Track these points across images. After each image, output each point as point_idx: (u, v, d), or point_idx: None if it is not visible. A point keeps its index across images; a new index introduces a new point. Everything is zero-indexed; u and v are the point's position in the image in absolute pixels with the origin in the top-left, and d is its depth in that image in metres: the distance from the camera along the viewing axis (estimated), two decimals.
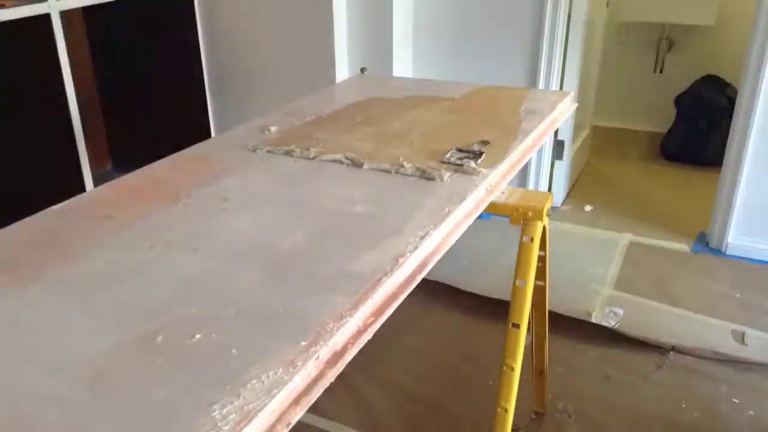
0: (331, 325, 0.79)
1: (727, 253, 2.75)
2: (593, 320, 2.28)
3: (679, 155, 3.76)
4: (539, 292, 1.65)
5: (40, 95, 2.59)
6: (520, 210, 1.43)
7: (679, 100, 3.85)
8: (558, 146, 3.14)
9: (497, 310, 2.28)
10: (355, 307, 0.84)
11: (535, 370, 1.84)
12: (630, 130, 4.25)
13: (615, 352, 2.15)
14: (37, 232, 1.07)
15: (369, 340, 0.84)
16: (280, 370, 0.71)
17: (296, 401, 0.71)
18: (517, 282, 1.45)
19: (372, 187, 1.22)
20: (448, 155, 1.33)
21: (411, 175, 1.26)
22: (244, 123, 1.62)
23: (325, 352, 0.76)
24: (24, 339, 0.80)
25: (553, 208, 3.10)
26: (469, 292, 2.42)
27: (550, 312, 1.78)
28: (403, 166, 1.29)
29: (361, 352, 0.82)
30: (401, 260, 0.94)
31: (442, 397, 1.98)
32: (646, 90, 4.18)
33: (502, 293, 2.45)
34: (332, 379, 0.76)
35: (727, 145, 2.73)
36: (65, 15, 2.54)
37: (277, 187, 1.25)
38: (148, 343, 0.77)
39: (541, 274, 1.62)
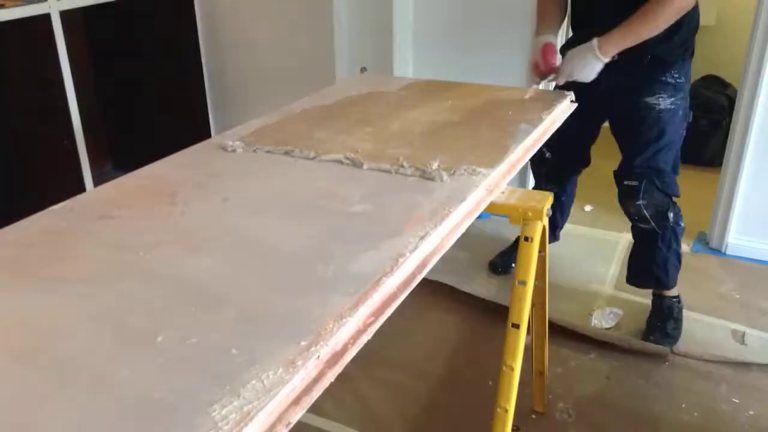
0: (331, 325, 0.79)
1: (727, 253, 2.75)
2: (594, 320, 2.28)
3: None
4: (539, 292, 1.65)
5: (40, 95, 2.59)
6: (519, 210, 1.43)
7: None
8: None
9: (497, 310, 2.28)
10: (355, 307, 0.84)
11: (535, 370, 1.84)
12: None
13: (615, 352, 2.14)
14: (37, 232, 1.07)
15: (369, 340, 0.85)
16: (280, 370, 0.71)
17: (296, 401, 0.71)
18: (517, 282, 1.45)
19: (372, 187, 1.22)
20: None
21: (411, 175, 1.26)
22: (244, 123, 1.63)
23: (325, 352, 0.76)
24: (24, 339, 0.80)
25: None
26: (468, 294, 2.42)
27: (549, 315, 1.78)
28: (403, 166, 1.29)
29: (361, 352, 0.82)
30: (401, 260, 0.94)
31: (442, 397, 1.98)
32: None
33: (501, 295, 2.46)
34: (332, 379, 0.76)
35: (727, 145, 2.72)
36: (65, 15, 2.55)
37: (276, 187, 1.25)
38: (148, 343, 0.77)
39: (541, 274, 1.61)
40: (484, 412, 1.71)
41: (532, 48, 1.84)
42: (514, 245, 2.44)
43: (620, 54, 1.83)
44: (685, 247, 2.82)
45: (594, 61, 1.78)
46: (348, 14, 2.91)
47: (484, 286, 2.49)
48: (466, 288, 2.46)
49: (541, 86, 2.91)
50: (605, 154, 3.83)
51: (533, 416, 1.89)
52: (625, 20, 1.77)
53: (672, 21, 1.76)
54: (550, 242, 2.12)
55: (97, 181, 2.74)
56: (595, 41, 1.77)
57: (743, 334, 2.22)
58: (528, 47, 2.89)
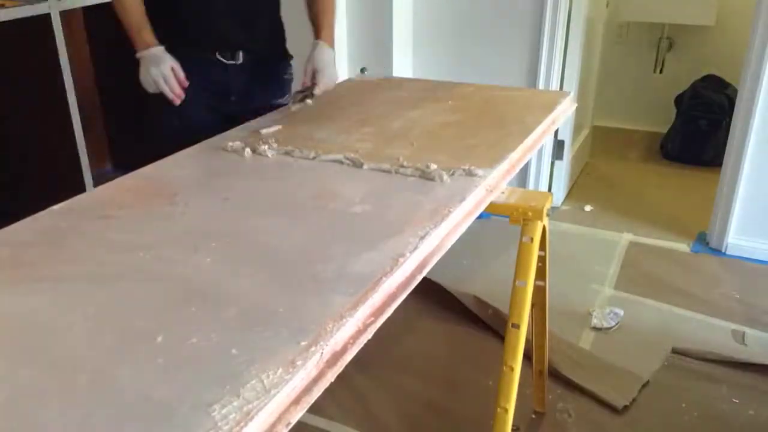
0: (331, 325, 0.79)
1: (727, 253, 2.75)
2: (594, 320, 2.28)
3: (679, 155, 3.76)
4: (539, 292, 1.65)
5: (40, 95, 2.59)
6: (520, 210, 1.43)
7: (679, 100, 3.85)
8: (558, 146, 3.14)
9: (496, 314, 2.28)
10: (355, 307, 0.84)
11: (535, 370, 1.84)
12: (630, 130, 4.25)
13: (615, 352, 2.15)
14: (37, 232, 1.07)
15: (369, 340, 0.85)
16: (280, 370, 0.71)
17: (296, 401, 0.71)
18: (517, 282, 1.45)
19: (372, 187, 1.22)
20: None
21: (411, 175, 1.26)
22: (244, 123, 1.62)
23: (325, 352, 0.76)
24: (24, 339, 0.80)
25: (553, 208, 3.10)
26: (465, 294, 2.42)
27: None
28: (403, 166, 1.29)
29: (361, 352, 0.82)
30: (401, 260, 0.94)
31: (442, 397, 1.98)
32: (646, 90, 4.18)
33: (500, 296, 2.45)
34: (332, 379, 0.76)
35: (727, 145, 2.73)
36: (65, 15, 2.54)
37: (277, 187, 1.25)
38: (148, 343, 0.77)
39: (541, 274, 1.61)
40: (484, 412, 1.71)
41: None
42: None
43: (245, 53, 1.76)
44: (685, 247, 2.82)
45: (334, 56, 1.74)
46: (348, 14, 2.91)
47: (483, 287, 2.49)
48: (465, 289, 2.45)
49: (541, 86, 2.93)
50: (605, 154, 3.85)
51: (533, 416, 1.89)
52: (318, 7, 1.76)
53: None
54: None
55: (97, 181, 2.74)
56: (321, 42, 1.72)
57: (743, 334, 2.22)
58: (527, 48, 2.90)
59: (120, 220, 1.10)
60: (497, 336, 2.20)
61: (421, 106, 1.71)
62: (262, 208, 1.16)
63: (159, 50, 1.62)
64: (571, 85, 3.01)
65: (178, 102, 1.58)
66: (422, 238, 1.01)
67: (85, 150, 2.69)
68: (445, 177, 1.23)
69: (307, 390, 0.73)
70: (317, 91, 1.66)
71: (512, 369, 1.45)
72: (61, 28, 2.51)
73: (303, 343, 0.76)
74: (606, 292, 2.49)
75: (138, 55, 1.65)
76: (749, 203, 2.69)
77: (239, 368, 0.72)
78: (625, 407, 1.90)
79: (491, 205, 1.31)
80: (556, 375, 2.00)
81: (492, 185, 1.27)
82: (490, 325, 2.26)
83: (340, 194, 1.19)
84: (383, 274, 0.91)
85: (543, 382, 1.86)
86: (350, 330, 0.82)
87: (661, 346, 2.16)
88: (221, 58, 1.75)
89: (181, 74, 1.61)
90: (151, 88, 1.62)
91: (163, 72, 1.58)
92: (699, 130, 3.67)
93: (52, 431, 0.66)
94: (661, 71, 4.11)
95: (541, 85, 2.92)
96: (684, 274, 2.60)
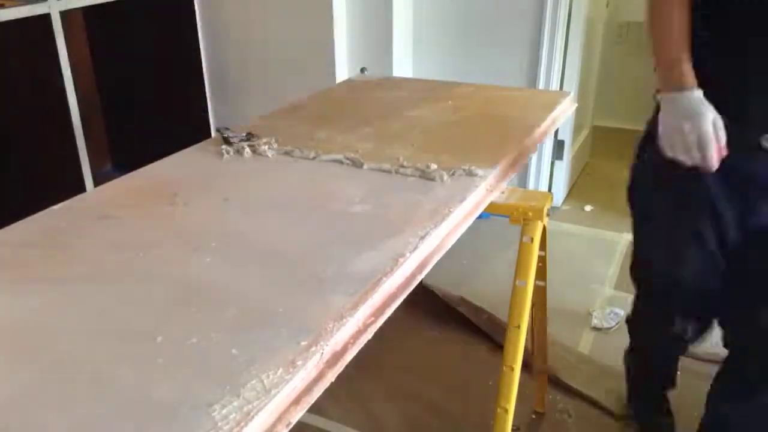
0: (331, 325, 0.79)
1: None
2: (594, 320, 2.28)
3: None
4: (539, 292, 1.65)
5: (40, 95, 2.59)
6: (520, 210, 1.43)
7: None
8: (558, 146, 3.14)
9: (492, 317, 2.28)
10: (355, 307, 0.84)
11: (535, 370, 1.83)
12: (630, 130, 4.24)
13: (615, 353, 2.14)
14: (37, 232, 1.07)
15: (369, 340, 0.85)
16: (280, 370, 0.71)
17: (296, 401, 0.71)
18: (517, 282, 1.45)
19: (372, 187, 1.22)
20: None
21: (411, 175, 1.26)
22: (244, 123, 1.62)
23: (325, 352, 0.76)
24: (24, 339, 0.80)
25: (553, 208, 3.10)
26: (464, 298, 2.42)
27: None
28: (403, 166, 1.29)
29: (361, 352, 0.82)
30: (401, 260, 0.94)
31: (442, 397, 1.98)
32: (646, 90, 4.16)
33: (500, 296, 2.45)
34: (332, 379, 0.76)
35: None
36: (65, 15, 2.54)
37: (276, 187, 1.25)
38: (148, 343, 0.77)
39: (541, 274, 1.61)
40: (484, 413, 1.71)
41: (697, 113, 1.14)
42: None
43: None
44: None
45: None
46: (348, 14, 2.91)
47: (483, 287, 2.49)
48: (465, 289, 2.45)
49: (541, 86, 2.92)
50: (605, 154, 3.84)
51: (533, 416, 1.89)
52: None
53: None
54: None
55: (97, 181, 2.74)
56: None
57: None
58: (527, 48, 2.90)
59: (120, 220, 1.10)
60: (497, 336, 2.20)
61: (421, 106, 1.71)
62: (262, 208, 1.16)
63: (698, 96, 1.17)
64: (571, 85, 3.01)
65: (711, 169, 1.14)
66: (422, 238, 1.01)
67: (85, 150, 2.69)
68: (445, 177, 1.23)
69: (308, 390, 0.73)
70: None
71: (512, 369, 1.45)
72: (61, 28, 2.51)
73: (303, 343, 0.76)
74: (606, 292, 2.49)
75: (660, 95, 1.21)
76: None
77: (239, 368, 0.72)
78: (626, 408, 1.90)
79: (491, 205, 1.31)
80: (555, 381, 2.00)
81: (492, 185, 1.27)
82: (486, 330, 2.25)
83: (340, 194, 1.19)
84: (383, 274, 0.91)
85: (543, 382, 1.86)
86: (350, 330, 0.82)
87: None
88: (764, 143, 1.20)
89: (723, 136, 1.16)
90: (674, 151, 1.18)
91: (700, 128, 1.13)
92: None
93: (52, 431, 0.66)
94: None
95: (541, 85, 2.92)
96: None
